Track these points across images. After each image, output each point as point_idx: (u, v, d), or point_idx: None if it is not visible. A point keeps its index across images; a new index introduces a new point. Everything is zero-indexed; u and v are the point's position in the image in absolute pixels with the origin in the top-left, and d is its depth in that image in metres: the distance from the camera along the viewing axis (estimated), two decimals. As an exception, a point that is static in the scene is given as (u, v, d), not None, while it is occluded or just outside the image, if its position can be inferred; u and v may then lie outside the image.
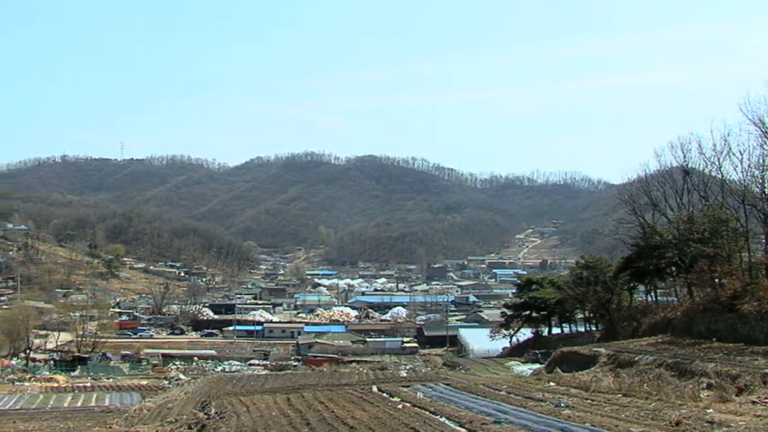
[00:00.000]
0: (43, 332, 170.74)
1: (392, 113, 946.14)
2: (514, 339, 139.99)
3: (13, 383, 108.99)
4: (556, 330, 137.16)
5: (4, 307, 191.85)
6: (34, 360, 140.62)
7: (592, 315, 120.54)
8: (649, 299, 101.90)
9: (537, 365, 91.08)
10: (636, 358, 59.53)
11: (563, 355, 78.07)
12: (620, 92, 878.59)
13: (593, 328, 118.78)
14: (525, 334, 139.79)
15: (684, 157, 79.56)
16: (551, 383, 59.22)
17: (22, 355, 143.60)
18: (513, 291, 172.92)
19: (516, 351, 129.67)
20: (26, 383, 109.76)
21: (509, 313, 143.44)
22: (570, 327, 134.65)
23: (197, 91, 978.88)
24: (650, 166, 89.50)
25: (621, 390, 49.23)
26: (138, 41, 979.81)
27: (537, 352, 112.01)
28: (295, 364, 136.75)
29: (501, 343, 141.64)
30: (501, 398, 51.76)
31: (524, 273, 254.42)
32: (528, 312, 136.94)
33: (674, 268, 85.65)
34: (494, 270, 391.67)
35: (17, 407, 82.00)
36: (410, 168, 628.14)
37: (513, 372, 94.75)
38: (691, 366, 50.61)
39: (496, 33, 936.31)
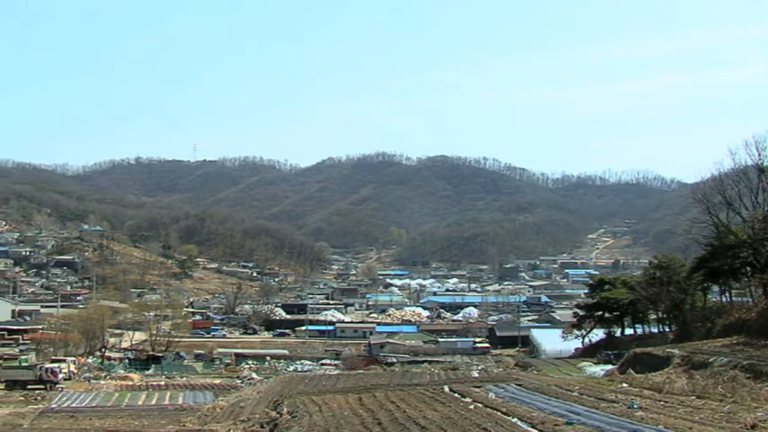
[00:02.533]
0: (118, 331, 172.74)
1: (463, 113, 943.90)
2: (587, 340, 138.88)
3: (89, 381, 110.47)
4: (628, 331, 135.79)
5: (81, 306, 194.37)
6: (110, 359, 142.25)
7: (665, 316, 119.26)
8: (723, 299, 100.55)
9: (609, 366, 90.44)
10: (710, 360, 58.94)
11: (636, 355, 77.50)
12: (694, 89, 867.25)
13: (667, 329, 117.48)
14: (597, 334, 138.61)
15: (759, 155, 78.57)
16: (624, 384, 58.82)
17: (98, 353, 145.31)
18: (586, 291, 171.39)
19: (588, 352, 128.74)
20: (102, 381, 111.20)
21: (581, 314, 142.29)
22: (643, 327, 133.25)
23: (268, 93, 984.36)
24: (724, 165, 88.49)
25: (695, 391, 48.77)
26: (209, 45, 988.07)
27: (609, 353, 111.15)
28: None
29: (573, 343, 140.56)
30: (573, 399, 51.53)
31: (596, 273, 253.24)
32: (600, 313, 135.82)
33: (748, 268, 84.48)
34: (566, 270, 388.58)
35: (93, 404, 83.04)
36: (481, 168, 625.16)
37: (585, 373, 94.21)
38: (766, 368, 50.00)
39: (568, 32, 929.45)
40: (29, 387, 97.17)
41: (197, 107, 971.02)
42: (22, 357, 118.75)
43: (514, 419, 42.58)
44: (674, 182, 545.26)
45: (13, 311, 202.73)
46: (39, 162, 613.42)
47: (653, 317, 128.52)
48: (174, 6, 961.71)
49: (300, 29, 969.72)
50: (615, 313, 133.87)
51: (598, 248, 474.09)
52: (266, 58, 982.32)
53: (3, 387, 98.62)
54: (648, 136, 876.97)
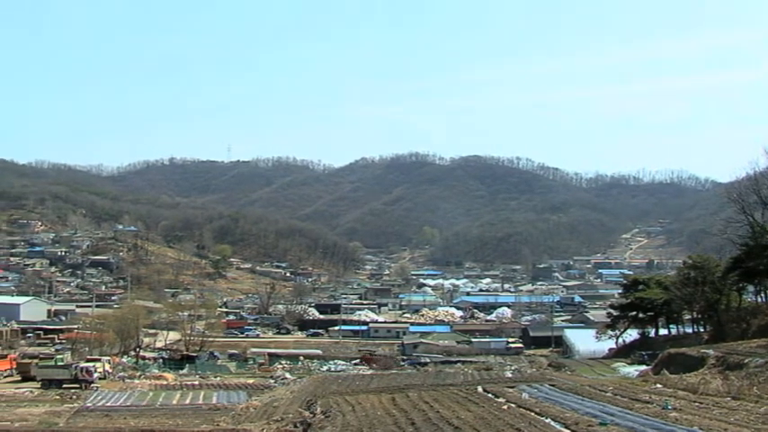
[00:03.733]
0: (152, 331, 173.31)
1: (496, 113, 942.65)
2: (620, 340, 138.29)
3: (123, 381, 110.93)
4: (663, 331, 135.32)
5: (115, 306, 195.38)
6: (144, 358, 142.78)
7: (699, 316, 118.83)
8: (759, 300, 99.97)
9: (643, 367, 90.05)
10: (745, 360, 58.52)
11: (670, 356, 77.12)
12: (729, 88, 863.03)
13: (701, 330, 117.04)
14: (631, 335, 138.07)
15: (795, 154, 77.97)
16: (658, 385, 58.54)
17: (133, 353, 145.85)
18: (619, 291, 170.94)
19: (622, 352, 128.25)
20: (136, 381, 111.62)
21: (615, 314, 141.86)
22: (677, 328, 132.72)
23: (302, 94, 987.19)
24: (760, 164, 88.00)
25: (730, 393, 48.48)
26: (243, 46, 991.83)
27: (643, 353, 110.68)
28: (401, 364, 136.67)
29: (607, 344, 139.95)
30: (607, 399, 51.37)
31: (630, 273, 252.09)
32: (634, 313, 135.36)
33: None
34: (599, 270, 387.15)
35: (128, 403, 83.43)
36: (514, 168, 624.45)
37: (619, 373, 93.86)
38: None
39: (602, 31, 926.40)
40: (64, 386, 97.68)
41: (231, 108, 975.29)
42: (58, 357, 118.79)
43: (548, 420, 42.51)
44: (709, 181, 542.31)
45: (49, 311, 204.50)
46: (74, 163, 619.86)
47: (687, 317, 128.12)
48: (209, 8, 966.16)
49: (332, 30, 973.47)
50: (649, 313, 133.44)
51: (632, 248, 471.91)
52: (299, 59, 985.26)
53: (39, 386, 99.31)
54: (683, 135, 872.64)
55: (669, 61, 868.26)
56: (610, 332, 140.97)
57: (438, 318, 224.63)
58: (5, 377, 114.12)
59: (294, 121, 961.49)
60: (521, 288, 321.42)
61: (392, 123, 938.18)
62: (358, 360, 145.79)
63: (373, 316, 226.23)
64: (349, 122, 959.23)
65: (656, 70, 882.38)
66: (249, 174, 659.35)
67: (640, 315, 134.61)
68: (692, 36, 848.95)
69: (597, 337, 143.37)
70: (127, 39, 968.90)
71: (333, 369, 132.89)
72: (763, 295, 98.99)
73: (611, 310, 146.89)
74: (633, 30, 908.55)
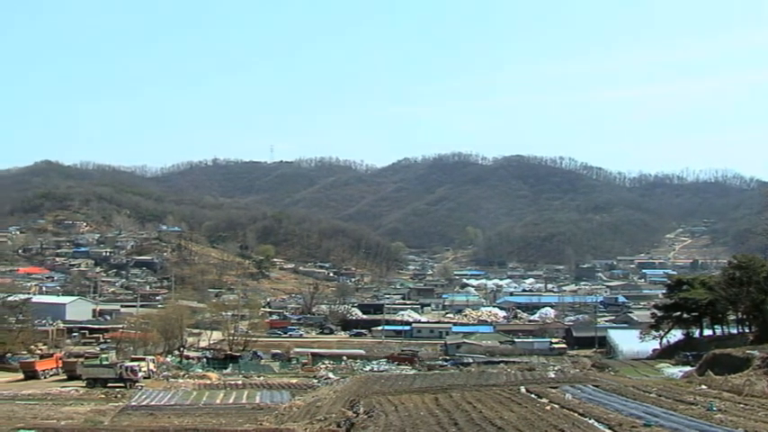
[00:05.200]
0: (196, 331, 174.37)
1: (539, 113, 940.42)
2: (664, 341, 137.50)
3: (167, 380, 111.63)
4: (707, 332, 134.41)
5: (160, 306, 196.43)
6: (188, 358, 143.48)
7: (744, 317, 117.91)
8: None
9: (688, 368, 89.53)
10: (791, 361, 58.09)
11: (715, 357, 76.64)
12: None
13: (746, 330, 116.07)
14: (675, 335, 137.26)
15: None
16: (703, 386, 58.22)
17: (177, 352, 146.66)
18: (663, 291, 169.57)
19: (666, 353, 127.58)
20: (180, 380, 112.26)
21: (659, 314, 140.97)
22: (722, 328, 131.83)
23: (343, 94, 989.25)
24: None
25: (776, 394, 48.12)
26: (286, 46, 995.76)
27: (688, 354, 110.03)
28: (444, 364, 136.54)
29: (651, 344, 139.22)
30: (651, 401, 51.13)
31: (674, 273, 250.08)
32: (678, 313, 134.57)
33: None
34: (643, 270, 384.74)
35: (172, 402, 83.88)
36: (557, 168, 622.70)
37: (662, 374, 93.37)
38: None
39: (644, 30, 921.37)
40: (109, 385, 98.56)
41: (274, 108, 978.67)
42: (103, 356, 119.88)
43: (591, 421, 42.37)
44: (754, 180, 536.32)
45: (94, 311, 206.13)
46: (118, 164, 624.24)
47: (732, 318, 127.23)
48: (252, 8, 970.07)
49: (375, 29, 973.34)
50: (694, 314, 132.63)
51: (676, 248, 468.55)
52: (341, 58, 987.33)
53: (84, 385, 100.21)
54: (727, 134, 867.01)
55: (713, 59, 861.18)
56: (654, 333, 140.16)
57: (481, 318, 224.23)
58: (52, 376, 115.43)
59: (336, 121, 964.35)
60: (564, 288, 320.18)
61: (435, 123, 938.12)
62: (386, 359, 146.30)
63: (416, 316, 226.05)
64: (391, 122, 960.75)
65: (701, 69, 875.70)
66: (292, 174, 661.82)
67: (685, 315, 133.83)
68: (737, 33, 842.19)
69: (641, 338, 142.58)
70: (171, 40, 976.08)
71: (376, 369, 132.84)
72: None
73: (655, 311, 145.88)
74: (676, 29, 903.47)
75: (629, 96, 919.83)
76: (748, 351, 70.46)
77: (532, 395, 58.34)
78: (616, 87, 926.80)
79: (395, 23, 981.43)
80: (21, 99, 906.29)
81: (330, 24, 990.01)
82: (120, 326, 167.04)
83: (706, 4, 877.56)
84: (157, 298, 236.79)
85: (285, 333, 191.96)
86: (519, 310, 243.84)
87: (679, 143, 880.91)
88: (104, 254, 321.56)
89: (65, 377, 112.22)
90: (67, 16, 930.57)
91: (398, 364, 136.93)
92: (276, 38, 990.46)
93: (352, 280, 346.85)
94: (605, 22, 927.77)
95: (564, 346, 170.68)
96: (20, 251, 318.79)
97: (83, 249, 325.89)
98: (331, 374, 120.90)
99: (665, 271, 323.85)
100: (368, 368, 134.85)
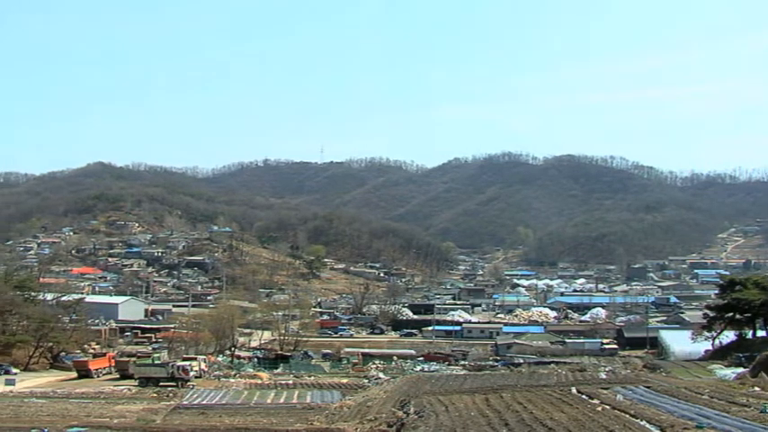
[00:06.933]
0: (247, 330, 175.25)
1: (589, 112, 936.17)
2: (717, 342, 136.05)
3: (219, 379, 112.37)
4: (760, 333, 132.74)
5: (211, 306, 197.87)
6: (239, 357, 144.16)
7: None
8: None
9: (741, 369, 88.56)
10: None
11: (768, 358, 75.83)
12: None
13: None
14: (728, 336, 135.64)
15: None
16: (756, 388, 57.67)
17: (228, 352, 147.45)
18: (716, 292, 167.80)
19: (719, 354, 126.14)
20: (231, 380, 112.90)
21: (711, 315, 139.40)
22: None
23: (392, 94, 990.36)
24: None
25: (831, 395, 47.54)
26: (336, 47, 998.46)
27: (740, 355, 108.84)
28: (494, 364, 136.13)
29: (703, 345, 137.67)
30: (703, 402, 50.71)
31: (727, 273, 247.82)
32: (731, 314, 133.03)
33: None
34: (695, 270, 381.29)
35: (223, 402, 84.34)
36: (608, 167, 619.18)
37: (715, 375, 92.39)
38: None
39: (699, 28, 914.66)
40: (161, 384, 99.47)
41: (324, 110, 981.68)
42: (155, 355, 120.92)
43: (642, 422, 42.10)
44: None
45: (147, 311, 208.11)
46: (170, 165, 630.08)
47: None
48: (301, 11, 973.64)
49: (426, 30, 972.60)
50: (747, 314, 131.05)
51: (728, 248, 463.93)
52: (392, 59, 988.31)
53: (136, 384, 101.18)
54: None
55: (765, 57, 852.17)
56: (706, 333, 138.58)
57: (532, 318, 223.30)
58: (104, 375, 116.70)
59: (386, 121, 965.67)
60: (615, 288, 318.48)
61: (485, 123, 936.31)
62: (422, 357, 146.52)
63: (467, 316, 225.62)
64: (441, 123, 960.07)
65: (753, 67, 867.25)
66: (342, 174, 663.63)
67: (737, 316, 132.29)
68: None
69: (693, 339, 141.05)
70: (222, 43, 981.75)
71: (426, 369, 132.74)
72: None
73: (708, 311, 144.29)
74: (726, 27, 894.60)
75: (679, 95, 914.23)
76: (803, 352, 69.65)
77: (583, 396, 58.08)
78: (667, 86, 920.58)
79: (445, 25, 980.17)
80: (75, 102, 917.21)
81: (382, 26, 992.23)
82: (172, 325, 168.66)
83: (758, 2, 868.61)
84: (209, 298, 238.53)
85: (336, 333, 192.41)
86: (570, 311, 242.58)
87: (731, 142, 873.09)
88: (156, 254, 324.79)
89: (117, 376, 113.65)
90: (122, 17, 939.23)
91: (442, 363, 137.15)
92: (328, 41, 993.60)
93: (403, 280, 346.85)
94: (658, 21, 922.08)
95: (615, 346, 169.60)
96: (73, 252, 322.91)
97: (135, 250, 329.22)
98: (381, 374, 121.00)
99: (718, 271, 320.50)
100: (418, 368, 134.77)
